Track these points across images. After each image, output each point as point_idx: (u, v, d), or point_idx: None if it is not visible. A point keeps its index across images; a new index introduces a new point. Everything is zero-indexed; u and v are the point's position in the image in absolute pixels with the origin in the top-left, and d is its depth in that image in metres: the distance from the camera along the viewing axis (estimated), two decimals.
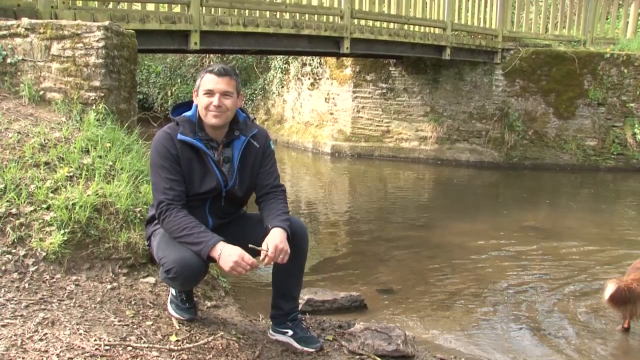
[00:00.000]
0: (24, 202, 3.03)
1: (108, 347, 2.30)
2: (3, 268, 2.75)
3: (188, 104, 2.73)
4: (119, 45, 4.30)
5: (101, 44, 4.10)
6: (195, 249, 2.43)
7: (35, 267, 2.82)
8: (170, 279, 2.51)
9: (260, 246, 2.48)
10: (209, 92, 2.57)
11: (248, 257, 2.41)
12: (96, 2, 5.46)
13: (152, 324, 2.65)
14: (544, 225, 6.52)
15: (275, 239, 2.48)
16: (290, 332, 2.79)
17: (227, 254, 2.39)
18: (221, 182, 2.63)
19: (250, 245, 2.48)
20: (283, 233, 2.52)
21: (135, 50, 4.58)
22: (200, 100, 2.60)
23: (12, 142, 3.41)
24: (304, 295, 3.75)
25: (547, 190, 9.06)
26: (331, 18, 7.92)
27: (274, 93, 13.86)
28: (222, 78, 2.58)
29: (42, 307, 2.55)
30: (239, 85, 2.67)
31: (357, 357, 2.80)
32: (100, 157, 3.53)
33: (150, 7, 5.98)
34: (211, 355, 2.49)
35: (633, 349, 3.51)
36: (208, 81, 2.58)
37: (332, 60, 11.72)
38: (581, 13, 11.16)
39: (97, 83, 4.11)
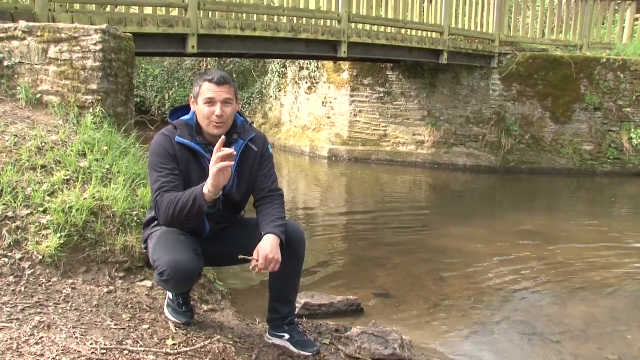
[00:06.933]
0: (21, 205, 3.02)
1: (104, 351, 2.30)
2: None
3: (186, 108, 2.73)
4: (116, 48, 4.30)
5: (99, 47, 4.11)
6: (192, 203, 2.40)
7: (32, 270, 2.81)
8: (163, 281, 2.50)
9: (253, 253, 2.48)
10: (210, 100, 2.56)
11: (223, 152, 2.36)
12: (94, 6, 5.46)
13: (149, 328, 2.64)
14: (540, 230, 6.53)
15: (265, 249, 2.46)
16: (287, 336, 2.79)
17: (211, 175, 2.37)
18: None
19: (240, 257, 2.47)
20: (275, 240, 2.50)
21: (132, 53, 4.58)
22: (200, 109, 2.59)
23: (8, 145, 3.40)
24: (301, 299, 3.74)
25: (543, 194, 9.08)
26: (329, 22, 7.93)
27: (271, 97, 13.87)
28: (222, 87, 2.56)
29: (38, 310, 2.54)
30: (237, 90, 2.68)
31: None
32: (97, 160, 3.52)
33: (148, 10, 6.00)
34: (208, 359, 2.48)
35: (630, 353, 3.51)
36: (208, 90, 2.56)
37: (329, 64, 11.74)
38: (578, 18, 11.21)
39: (94, 86, 4.11)
